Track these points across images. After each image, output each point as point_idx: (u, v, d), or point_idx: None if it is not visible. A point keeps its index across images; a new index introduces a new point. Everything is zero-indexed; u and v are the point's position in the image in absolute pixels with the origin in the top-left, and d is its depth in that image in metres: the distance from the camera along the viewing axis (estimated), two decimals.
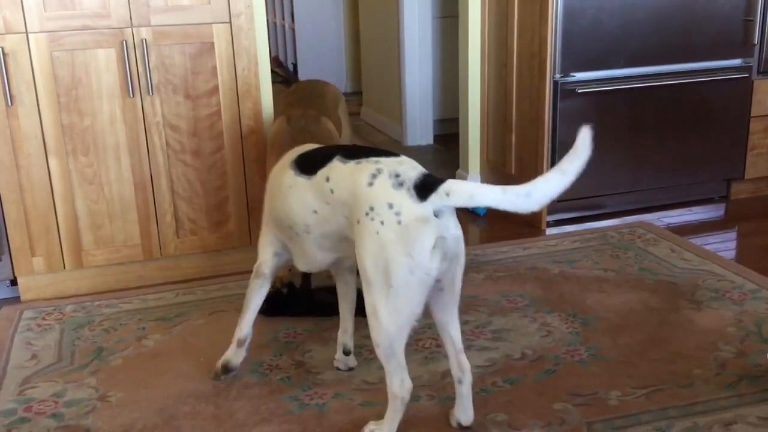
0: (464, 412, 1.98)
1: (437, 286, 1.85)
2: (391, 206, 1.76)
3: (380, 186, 1.79)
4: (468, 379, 1.95)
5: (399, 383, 1.87)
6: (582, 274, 2.90)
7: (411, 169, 1.82)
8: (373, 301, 1.81)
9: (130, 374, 2.30)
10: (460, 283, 1.89)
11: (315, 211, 1.95)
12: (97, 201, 2.82)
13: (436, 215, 1.75)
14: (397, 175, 1.79)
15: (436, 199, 1.76)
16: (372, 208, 1.78)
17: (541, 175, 1.78)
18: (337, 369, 2.32)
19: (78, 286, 2.91)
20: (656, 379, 2.17)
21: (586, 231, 3.38)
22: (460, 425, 1.99)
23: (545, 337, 2.44)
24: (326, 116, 2.88)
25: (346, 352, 2.32)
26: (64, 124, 2.72)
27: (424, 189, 1.77)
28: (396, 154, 1.91)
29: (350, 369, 2.32)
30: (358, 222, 1.81)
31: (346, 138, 3.16)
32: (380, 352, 1.85)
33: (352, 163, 1.87)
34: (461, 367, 1.94)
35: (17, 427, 2.04)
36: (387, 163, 1.83)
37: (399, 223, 1.75)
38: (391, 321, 1.80)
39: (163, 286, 2.94)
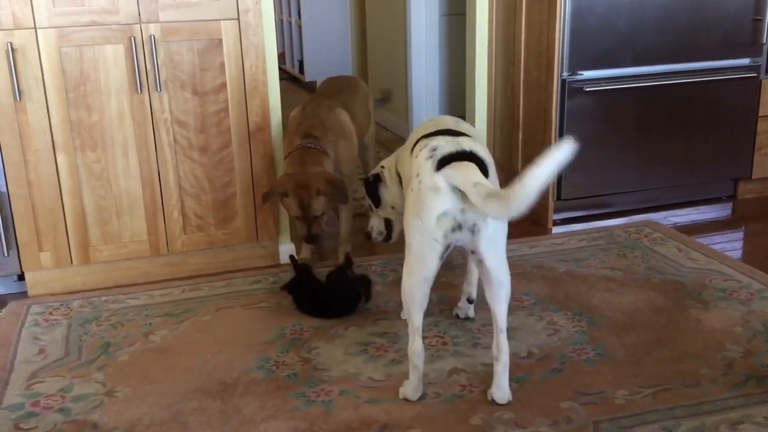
0: (498, 389, 2.06)
1: (475, 258, 1.97)
2: (418, 175, 1.95)
3: (420, 157, 1.98)
4: (504, 359, 2.03)
5: (410, 343, 2.05)
6: (589, 273, 2.90)
7: (453, 146, 1.95)
8: (405, 258, 2.01)
9: (136, 370, 2.31)
10: (495, 261, 1.96)
11: None
12: (104, 197, 2.83)
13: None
14: (434, 149, 1.95)
15: (446, 172, 1.88)
16: (410, 176, 2.01)
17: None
18: (456, 316, 2.54)
19: (85, 281, 2.92)
20: (663, 378, 2.17)
21: (593, 230, 3.37)
22: (494, 401, 2.06)
23: (552, 335, 2.44)
24: (349, 108, 3.08)
25: (470, 300, 2.53)
26: (72, 120, 2.72)
27: (444, 162, 1.90)
28: (465, 135, 2.08)
29: (467, 318, 2.52)
30: None
31: (372, 132, 3.41)
32: (404, 308, 2.05)
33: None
34: (499, 346, 2.03)
35: (25, 422, 2.05)
36: (438, 139, 2.01)
37: (419, 189, 1.93)
38: (406, 279, 2.00)
39: (170, 282, 2.94)
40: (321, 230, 2.77)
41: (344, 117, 3.01)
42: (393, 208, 2.58)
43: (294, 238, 3.17)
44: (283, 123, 3.05)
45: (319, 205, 2.71)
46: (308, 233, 2.75)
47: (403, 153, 2.39)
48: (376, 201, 2.59)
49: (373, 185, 2.58)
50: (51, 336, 2.53)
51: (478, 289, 2.50)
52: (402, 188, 2.44)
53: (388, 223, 2.63)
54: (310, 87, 6.91)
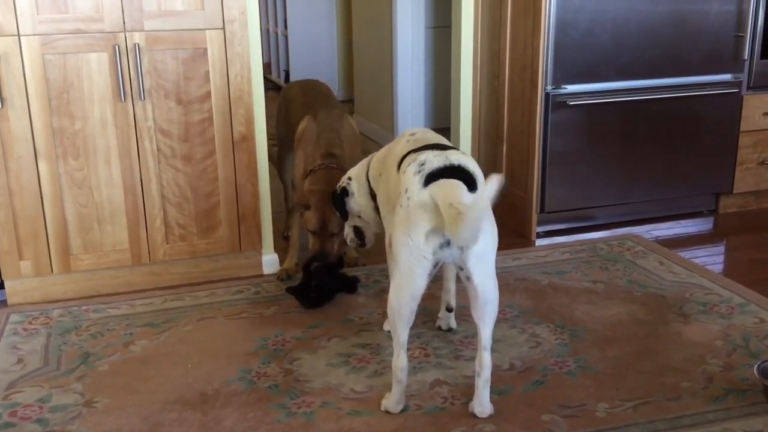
0: (478, 402, 2.06)
1: (463, 275, 1.96)
2: (407, 190, 1.93)
3: (408, 172, 1.96)
4: (484, 374, 2.03)
5: (395, 357, 2.04)
6: (571, 286, 2.90)
7: (441, 161, 1.94)
8: (390, 275, 2.02)
9: (116, 380, 2.28)
10: (483, 278, 1.95)
11: None
12: (86, 205, 2.81)
13: None
14: (422, 164, 1.94)
15: (432, 189, 1.87)
16: (399, 192, 1.97)
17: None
18: (439, 328, 2.53)
19: (65, 290, 2.89)
20: (644, 391, 2.18)
21: (576, 242, 3.39)
22: (474, 415, 2.06)
23: (534, 348, 2.44)
24: (347, 113, 3.12)
25: (449, 309, 2.52)
26: (55, 128, 2.71)
27: (432, 178, 1.89)
28: (454, 148, 2.06)
29: (450, 329, 2.53)
30: None
31: None
32: (390, 324, 2.04)
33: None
34: (481, 362, 2.02)
35: None
36: (426, 153, 1.98)
37: (407, 206, 1.91)
38: (394, 295, 1.97)
39: (152, 292, 2.92)
40: (332, 249, 2.80)
41: (353, 122, 3.09)
42: (359, 216, 2.57)
43: (278, 249, 3.16)
44: (268, 132, 3.05)
45: (336, 222, 2.74)
46: (321, 249, 2.78)
47: (380, 166, 2.37)
48: (344, 213, 2.59)
49: (339, 198, 2.57)
50: (30, 345, 2.50)
51: (465, 302, 2.50)
52: (371, 198, 2.43)
53: (358, 231, 2.62)
54: None
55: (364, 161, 2.53)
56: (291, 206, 2.92)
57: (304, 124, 3.02)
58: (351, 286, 2.87)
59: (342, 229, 2.74)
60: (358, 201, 2.52)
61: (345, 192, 2.54)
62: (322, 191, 2.75)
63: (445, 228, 1.80)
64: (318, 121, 2.98)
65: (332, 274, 2.83)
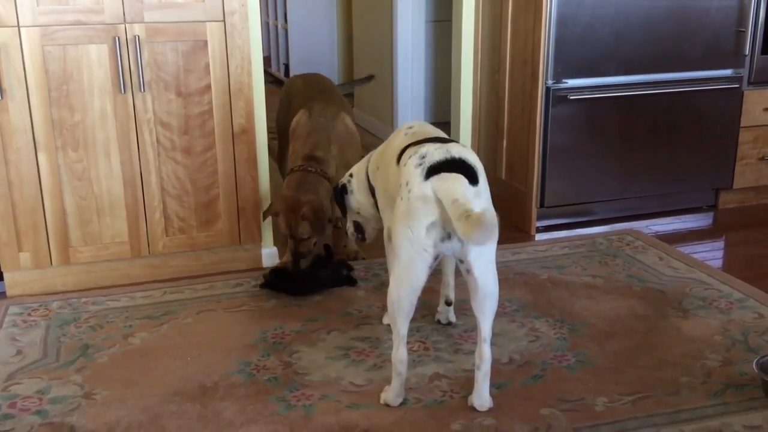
0: (478, 396, 2.06)
1: (464, 267, 1.96)
2: (407, 183, 1.93)
3: (409, 165, 1.96)
4: (485, 368, 2.03)
5: (395, 350, 2.04)
6: (570, 280, 2.91)
7: (442, 153, 1.94)
8: (389, 268, 2.03)
9: (115, 372, 2.28)
10: (483, 271, 1.95)
11: None
12: (85, 197, 2.81)
13: None
14: (423, 157, 1.94)
15: (434, 183, 1.87)
16: (400, 184, 1.97)
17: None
18: (438, 322, 2.53)
19: (65, 282, 2.89)
20: (643, 386, 2.18)
21: (576, 237, 3.39)
22: (473, 408, 2.06)
23: (533, 342, 2.44)
24: (345, 110, 3.11)
25: (448, 303, 2.53)
26: (54, 119, 2.70)
27: (433, 171, 1.89)
28: (454, 141, 2.06)
29: (449, 323, 2.53)
30: None
31: None
32: (390, 317, 2.03)
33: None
34: (481, 355, 2.02)
35: (0, 424, 2.02)
36: (427, 146, 1.98)
37: (408, 199, 1.90)
38: (394, 288, 1.98)
39: (151, 284, 2.92)
40: (306, 250, 2.84)
41: (348, 121, 3.07)
42: (358, 213, 2.57)
43: (277, 242, 3.16)
44: (268, 126, 3.04)
45: (304, 229, 2.78)
46: (295, 250, 2.83)
47: (379, 159, 2.37)
48: (343, 209, 2.60)
49: (339, 195, 2.57)
50: (29, 337, 2.50)
51: (464, 296, 2.50)
52: (371, 195, 2.43)
53: (358, 225, 2.62)
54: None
55: (365, 158, 2.53)
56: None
57: (298, 117, 3.03)
58: (349, 279, 2.87)
59: (312, 235, 2.80)
60: (357, 198, 2.52)
61: (345, 189, 2.54)
62: (288, 198, 2.78)
63: (456, 229, 1.77)
64: (312, 117, 2.98)
65: (326, 264, 2.86)
